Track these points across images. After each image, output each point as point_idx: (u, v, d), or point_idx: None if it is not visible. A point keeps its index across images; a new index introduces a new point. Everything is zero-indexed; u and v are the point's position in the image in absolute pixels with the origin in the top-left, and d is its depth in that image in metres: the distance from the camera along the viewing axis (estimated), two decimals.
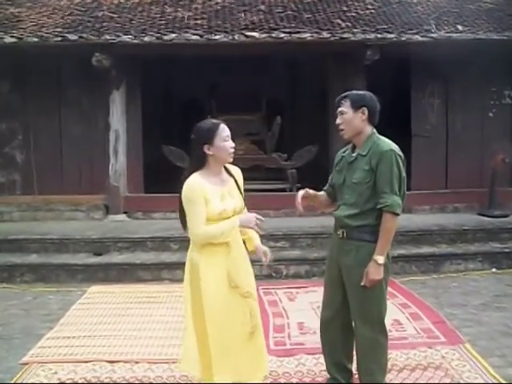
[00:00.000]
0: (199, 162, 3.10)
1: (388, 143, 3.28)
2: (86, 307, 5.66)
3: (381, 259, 3.19)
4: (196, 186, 3.01)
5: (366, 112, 3.28)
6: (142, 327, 5.03)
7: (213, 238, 3.04)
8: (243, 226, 3.13)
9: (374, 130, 3.34)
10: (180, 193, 3.06)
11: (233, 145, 3.14)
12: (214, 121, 3.18)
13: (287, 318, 5.24)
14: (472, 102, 8.51)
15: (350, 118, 3.28)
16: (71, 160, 8.42)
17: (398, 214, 3.20)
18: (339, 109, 3.34)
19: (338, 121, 3.35)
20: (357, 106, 3.29)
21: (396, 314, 5.23)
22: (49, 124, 8.40)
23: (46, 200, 8.32)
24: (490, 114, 8.63)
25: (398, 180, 3.20)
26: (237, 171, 3.31)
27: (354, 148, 3.39)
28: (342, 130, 3.35)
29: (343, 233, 3.34)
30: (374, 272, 3.19)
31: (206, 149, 3.06)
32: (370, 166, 3.23)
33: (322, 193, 3.57)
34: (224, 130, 3.10)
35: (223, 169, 3.21)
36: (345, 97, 3.34)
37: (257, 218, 3.11)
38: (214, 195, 3.04)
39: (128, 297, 5.95)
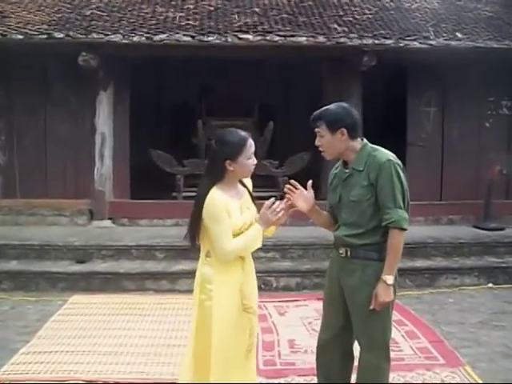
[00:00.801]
0: (217, 176, 2.89)
1: (384, 153, 3.02)
2: (65, 319, 5.38)
3: (390, 279, 2.93)
4: (220, 202, 2.83)
5: (346, 132, 3.00)
6: (124, 342, 4.77)
7: (243, 252, 2.91)
8: (267, 227, 2.96)
9: (365, 141, 3.08)
10: (199, 203, 2.84)
11: (255, 162, 2.95)
12: (242, 134, 2.92)
13: (277, 335, 5.00)
14: (469, 112, 8.39)
15: (330, 141, 3.02)
16: (56, 162, 8.19)
17: (405, 229, 2.96)
18: (316, 130, 3.06)
19: (317, 142, 3.08)
20: (334, 128, 3.00)
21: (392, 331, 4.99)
22: (34, 123, 8.17)
23: (28, 204, 8.06)
24: (487, 124, 8.52)
25: (400, 192, 2.96)
26: (247, 180, 3.10)
27: (345, 164, 3.13)
28: (322, 151, 3.10)
29: (346, 251, 3.07)
30: (384, 294, 2.92)
31: (227, 164, 2.86)
32: (368, 181, 2.97)
33: (324, 212, 3.30)
34: (251, 147, 2.90)
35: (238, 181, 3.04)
36: (318, 118, 3.05)
37: (269, 208, 2.91)
38: (234, 209, 2.88)
39: (110, 308, 5.69)
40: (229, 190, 2.91)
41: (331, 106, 3.10)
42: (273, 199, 2.97)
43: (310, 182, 3.13)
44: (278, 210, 2.93)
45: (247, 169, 2.93)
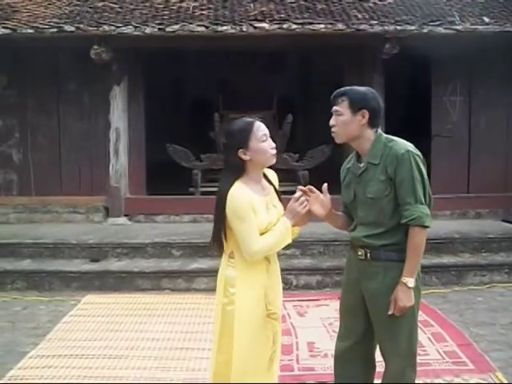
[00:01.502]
0: (237, 171, 2.68)
1: (402, 143, 2.76)
2: (77, 320, 5.23)
3: (411, 282, 2.67)
4: (244, 198, 2.61)
5: (367, 115, 2.75)
6: (136, 345, 4.58)
7: (272, 250, 2.71)
8: (296, 221, 2.75)
9: (380, 131, 2.82)
10: (221, 200, 2.64)
11: (273, 145, 2.71)
12: (248, 119, 2.73)
13: (296, 337, 4.76)
14: (496, 100, 8.08)
15: (347, 121, 2.76)
16: (70, 159, 8.11)
17: (427, 227, 2.70)
18: (335, 107, 2.80)
19: (332, 122, 2.81)
20: (356, 107, 2.75)
21: None
22: (47, 121, 8.10)
23: (43, 201, 7.99)
24: None
25: (421, 185, 2.70)
26: (273, 175, 2.89)
27: (358, 157, 2.87)
28: (333, 132, 2.82)
29: (366, 253, 2.82)
30: (404, 297, 2.67)
31: (241, 154, 2.64)
32: (386, 175, 2.71)
33: (339, 213, 3.03)
34: (260, 129, 2.68)
35: (262, 175, 2.80)
36: (342, 94, 2.80)
37: (297, 200, 2.72)
38: (259, 206, 2.66)
39: (124, 308, 5.53)
40: (253, 186, 2.69)
41: (358, 87, 2.86)
42: (300, 192, 2.75)
43: (326, 185, 2.85)
44: (305, 203, 2.72)
45: (265, 154, 2.67)
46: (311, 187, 2.83)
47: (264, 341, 2.72)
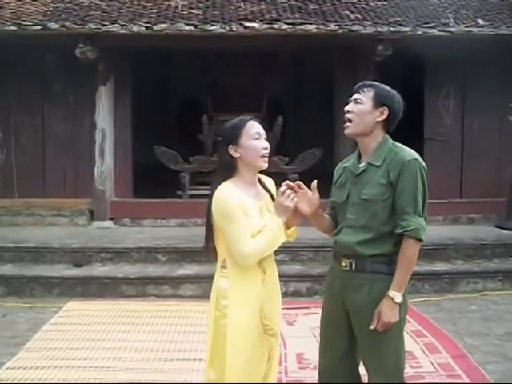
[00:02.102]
0: (227, 168, 2.56)
1: (409, 151, 2.63)
2: (57, 328, 5.03)
3: (398, 296, 2.53)
4: (233, 197, 2.47)
5: (386, 113, 2.62)
6: (119, 356, 4.40)
7: (266, 252, 2.52)
8: (286, 217, 2.58)
9: (387, 136, 2.69)
10: (210, 202, 2.53)
11: (266, 145, 2.57)
12: (242, 117, 2.63)
13: (284, 348, 4.59)
14: (490, 104, 7.99)
15: (366, 111, 2.62)
16: (54, 161, 7.91)
17: (422, 240, 2.56)
18: (356, 96, 2.66)
19: (349, 108, 2.66)
20: (380, 102, 2.62)
21: (410, 344, 4.57)
22: (31, 121, 7.91)
23: (26, 204, 7.80)
24: (510, 118, 8.00)
25: (422, 197, 2.57)
26: (270, 182, 2.75)
27: (359, 157, 2.73)
28: (348, 120, 2.66)
29: (351, 264, 2.66)
30: (389, 313, 2.52)
31: (231, 150, 2.53)
32: (387, 179, 2.57)
33: (325, 215, 2.87)
34: (253, 127, 2.57)
35: (257, 179, 2.66)
36: (370, 85, 2.67)
37: (283, 194, 2.55)
38: (252, 210, 2.51)
39: (107, 316, 5.34)
40: (245, 188, 2.54)
41: (385, 85, 2.74)
42: (285, 186, 2.58)
43: (315, 182, 2.68)
44: (292, 195, 2.56)
45: (255, 152, 2.53)
46: (300, 183, 2.65)
47: (259, 358, 2.55)
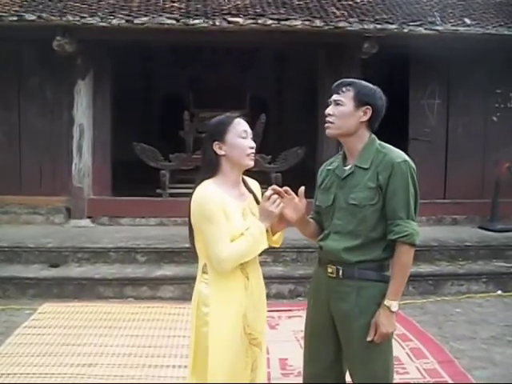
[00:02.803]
0: (211, 166, 2.44)
1: (399, 152, 2.50)
2: (31, 332, 4.84)
3: (395, 305, 2.41)
4: (213, 197, 2.34)
5: (370, 112, 2.49)
6: (94, 362, 4.21)
7: (244, 257, 2.38)
8: (270, 223, 2.45)
9: (374, 136, 2.56)
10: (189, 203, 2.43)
11: (252, 144, 2.46)
12: (229, 114, 2.53)
13: (267, 353, 4.41)
14: (475, 104, 7.97)
15: (348, 113, 2.48)
16: (31, 157, 7.69)
17: (415, 245, 2.45)
18: (336, 97, 2.51)
19: (330, 110, 2.52)
20: (361, 101, 2.48)
21: (396, 348, 4.38)
22: (7, 116, 7.69)
23: (1, 201, 7.57)
24: (494, 118, 8.11)
25: (414, 201, 2.46)
26: (255, 184, 2.63)
27: (345, 159, 2.59)
28: (330, 122, 2.51)
29: (337, 271, 2.52)
30: (387, 323, 2.40)
31: (216, 147, 2.41)
32: (376, 182, 2.44)
33: (310, 220, 2.72)
34: (240, 124, 2.45)
35: (241, 180, 2.54)
36: (349, 84, 2.52)
37: (269, 198, 2.41)
38: (234, 211, 2.38)
39: (83, 319, 5.15)
40: (228, 189, 2.41)
41: (364, 82, 2.60)
42: (271, 191, 2.43)
43: (303, 188, 2.53)
44: (278, 201, 2.41)
45: (241, 151, 2.41)
46: (287, 189, 2.50)
47: (242, 368, 2.42)
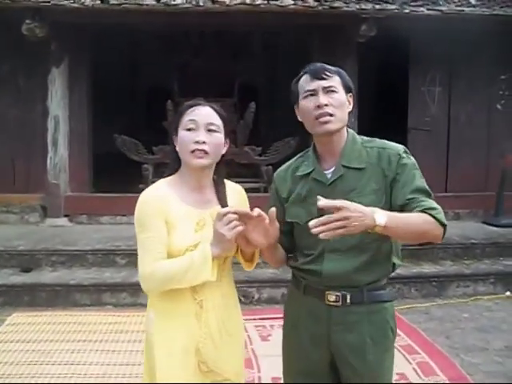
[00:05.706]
0: (171, 163, 2.12)
1: (390, 143, 2.16)
2: None
3: (382, 219, 1.84)
4: (151, 200, 2.00)
5: (352, 101, 2.15)
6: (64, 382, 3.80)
7: (172, 282, 1.95)
8: (223, 250, 1.95)
9: (352, 130, 2.20)
10: None
11: (199, 138, 1.98)
12: (193, 101, 2.09)
13: (258, 371, 4.01)
14: (478, 92, 7.57)
15: (343, 102, 2.09)
16: (3, 151, 7.17)
17: (445, 226, 2.06)
18: (325, 82, 2.06)
19: (325, 100, 2.04)
20: (347, 87, 2.13)
21: (401, 363, 4.05)
22: None
23: None
24: (498, 106, 7.73)
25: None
26: (237, 191, 2.18)
27: (318, 161, 2.13)
28: (329, 115, 2.03)
29: (344, 297, 2.07)
30: (360, 219, 1.81)
31: (175, 141, 2.06)
32: (382, 181, 2.06)
33: (279, 246, 2.20)
34: (192, 113, 2.02)
35: (211, 183, 2.11)
36: (332, 70, 2.11)
37: (223, 217, 1.91)
38: (183, 219, 1.98)
39: (56, 331, 4.74)
40: (186, 192, 2.04)
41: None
42: (227, 209, 1.94)
43: (274, 209, 1.97)
44: (233, 223, 1.90)
45: (184, 146, 2.00)
46: (259, 211, 1.93)
47: None
